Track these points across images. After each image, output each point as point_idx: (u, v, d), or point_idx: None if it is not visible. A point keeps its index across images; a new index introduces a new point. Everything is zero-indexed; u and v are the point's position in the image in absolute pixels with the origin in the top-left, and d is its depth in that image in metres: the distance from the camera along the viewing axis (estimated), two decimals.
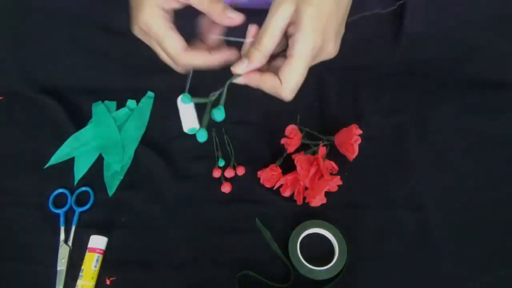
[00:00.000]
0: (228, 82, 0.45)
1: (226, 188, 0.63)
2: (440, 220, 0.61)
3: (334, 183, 0.60)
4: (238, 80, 0.45)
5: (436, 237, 0.60)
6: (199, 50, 0.46)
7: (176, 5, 0.45)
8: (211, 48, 0.47)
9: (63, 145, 0.66)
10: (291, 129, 0.64)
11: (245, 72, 0.44)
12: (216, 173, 0.64)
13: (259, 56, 0.43)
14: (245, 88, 0.72)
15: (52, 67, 0.71)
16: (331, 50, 0.44)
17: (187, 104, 0.46)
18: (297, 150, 0.64)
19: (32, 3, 0.70)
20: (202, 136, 0.45)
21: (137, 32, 0.47)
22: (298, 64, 0.42)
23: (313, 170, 0.60)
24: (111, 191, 0.63)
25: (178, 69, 0.48)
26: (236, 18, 0.44)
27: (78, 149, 0.66)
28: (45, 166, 0.64)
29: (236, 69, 0.44)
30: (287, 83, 0.43)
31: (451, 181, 0.64)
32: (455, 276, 0.57)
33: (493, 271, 0.58)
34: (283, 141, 0.64)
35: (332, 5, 0.41)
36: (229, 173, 0.64)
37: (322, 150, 0.62)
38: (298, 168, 0.60)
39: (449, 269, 0.57)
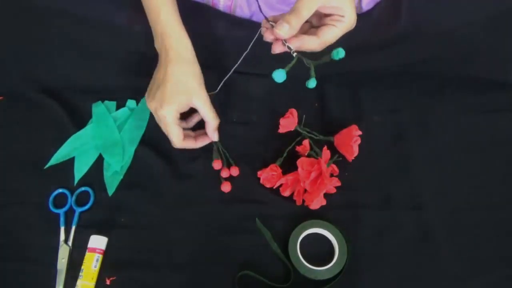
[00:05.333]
0: (295, 54, 0.50)
1: (226, 187, 0.63)
2: (440, 220, 0.61)
3: (332, 185, 0.60)
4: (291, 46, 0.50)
5: (436, 237, 0.60)
6: (189, 140, 0.62)
7: (185, 109, 0.60)
8: (197, 137, 0.64)
9: (63, 145, 0.66)
10: (291, 112, 0.66)
11: (288, 37, 0.49)
12: (217, 165, 0.64)
13: (297, 23, 0.48)
14: (245, 88, 0.72)
15: (52, 67, 0.71)
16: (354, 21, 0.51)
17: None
18: (292, 143, 0.65)
19: (32, 3, 0.70)
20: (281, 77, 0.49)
21: (152, 109, 0.60)
22: (338, 33, 0.50)
23: (314, 174, 0.60)
24: (111, 191, 0.63)
25: (176, 146, 0.62)
26: (216, 139, 0.64)
27: (78, 149, 0.66)
28: (45, 166, 0.64)
29: (279, 30, 0.48)
30: (324, 43, 0.51)
31: (451, 181, 0.64)
32: (455, 276, 0.57)
33: (493, 271, 0.58)
34: (281, 119, 0.66)
35: None
36: (225, 173, 0.64)
37: (326, 154, 0.62)
38: (299, 169, 0.60)
39: (449, 269, 0.58)
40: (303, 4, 0.48)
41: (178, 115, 0.59)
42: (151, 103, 0.59)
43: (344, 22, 0.50)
